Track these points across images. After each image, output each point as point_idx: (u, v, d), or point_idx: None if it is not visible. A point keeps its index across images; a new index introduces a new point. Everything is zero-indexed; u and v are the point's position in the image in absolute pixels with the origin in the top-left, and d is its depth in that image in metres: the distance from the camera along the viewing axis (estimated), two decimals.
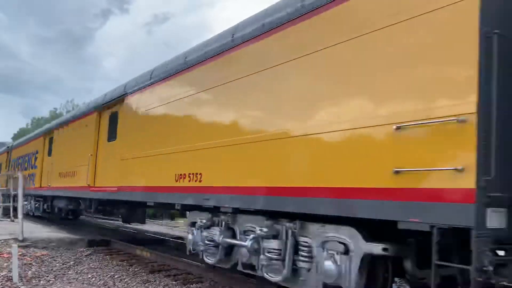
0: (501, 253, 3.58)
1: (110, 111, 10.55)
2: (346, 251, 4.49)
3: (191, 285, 7.19)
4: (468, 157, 3.36)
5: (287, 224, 5.28)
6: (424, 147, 3.69)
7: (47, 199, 15.59)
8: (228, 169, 6.12)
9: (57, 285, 7.28)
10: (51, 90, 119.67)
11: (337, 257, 4.59)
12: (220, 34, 7.06)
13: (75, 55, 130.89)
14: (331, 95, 4.71)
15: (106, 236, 12.08)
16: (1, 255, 8.75)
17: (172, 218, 21.69)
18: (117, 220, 15.25)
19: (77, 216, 16.11)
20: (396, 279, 5.23)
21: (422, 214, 3.63)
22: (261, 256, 5.47)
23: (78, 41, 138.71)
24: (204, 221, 6.76)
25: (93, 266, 8.76)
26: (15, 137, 61.14)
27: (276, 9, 5.77)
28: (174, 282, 7.36)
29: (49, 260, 9.11)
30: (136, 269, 8.47)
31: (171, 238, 13.21)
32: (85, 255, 9.84)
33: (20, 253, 8.50)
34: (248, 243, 5.62)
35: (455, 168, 3.41)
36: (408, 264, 4.26)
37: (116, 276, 7.90)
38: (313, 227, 4.96)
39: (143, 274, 8.05)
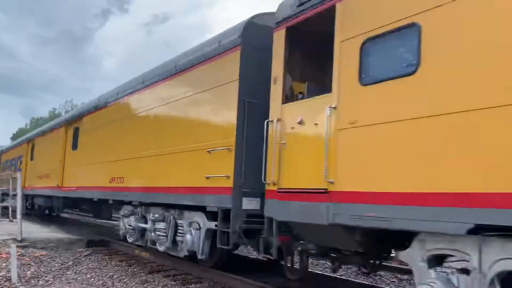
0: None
1: (73, 126, 13.36)
2: (199, 228, 6.98)
3: (190, 286, 7.12)
4: (230, 170, 6.10)
5: (171, 212, 7.86)
6: (216, 164, 6.43)
7: (29, 198, 17.85)
8: (135, 174, 8.96)
9: (56, 285, 7.22)
10: (50, 90, 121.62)
11: (194, 232, 7.14)
12: (132, 79, 10.29)
13: (74, 55, 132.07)
14: (185, 127, 7.52)
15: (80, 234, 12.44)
16: (0, 255, 8.72)
17: None
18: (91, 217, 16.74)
19: (53, 212, 17.71)
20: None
21: (216, 201, 6.39)
22: (153, 234, 8.17)
23: (78, 41, 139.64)
24: (127, 211, 9.46)
25: (92, 266, 8.70)
26: (14, 137, 62.23)
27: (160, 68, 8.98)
28: (173, 283, 7.27)
29: (48, 260, 9.07)
30: (135, 269, 8.38)
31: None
32: (84, 255, 9.79)
33: (19, 253, 8.44)
34: (149, 225, 8.34)
35: (226, 176, 6.18)
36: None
37: (115, 277, 7.82)
38: (186, 213, 7.48)
39: (142, 274, 7.97)
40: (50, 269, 8.29)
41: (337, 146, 4.56)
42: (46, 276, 7.72)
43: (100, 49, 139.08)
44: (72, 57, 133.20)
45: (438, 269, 3.85)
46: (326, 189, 4.61)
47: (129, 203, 9.39)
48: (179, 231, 7.63)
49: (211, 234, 6.90)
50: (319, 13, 5.04)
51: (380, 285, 7.33)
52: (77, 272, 8.22)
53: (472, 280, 3.58)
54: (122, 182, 9.42)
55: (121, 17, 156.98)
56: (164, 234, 7.94)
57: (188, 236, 7.25)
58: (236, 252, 8.92)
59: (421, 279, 3.94)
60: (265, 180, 5.54)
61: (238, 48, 6.29)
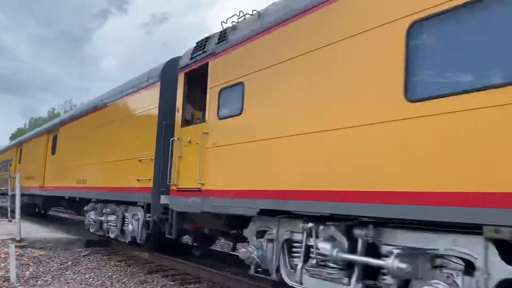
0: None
1: (53, 134, 15.67)
2: (139, 219, 9.07)
3: (189, 286, 7.23)
4: (151, 174, 8.32)
5: (120, 207, 10.04)
6: (143, 170, 8.67)
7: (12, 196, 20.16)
8: (94, 177, 11.28)
9: (55, 285, 7.25)
10: (49, 90, 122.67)
11: (134, 222, 9.29)
12: (91, 101, 13.61)
13: (74, 55, 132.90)
14: (126, 141, 9.79)
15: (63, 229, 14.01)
16: None
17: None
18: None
19: (41, 210, 19.91)
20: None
21: (143, 198, 8.59)
22: (106, 224, 10.49)
23: (77, 41, 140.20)
24: (89, 207, 11.75)
25: (90, 267, 8.80)
26: (13, 137, 62.23)
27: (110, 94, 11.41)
28: (172, 283, 7.37)
29: (47, 260, 9.16)
30: (134, 270, 8.49)
31: None
32: (83, 256, 9.93)
33: (17, 253, 8.49)
34: (103, 218, 10.65)
35: (148, 178, 8.42)
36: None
37: (114, 277, 7.89)
38: (130, 208, 9.56)
39: (141, 274, 8.08)
40: (49, 269, 8.37)
41: (206, 159, 6.75)
42: (45, 276, 7.77)
43: (99, 49, 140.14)
44: (71, 57, 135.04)
45: (260, 239, 6.00)
46: (200, 188, 6.79)
47: (90, 200, 11.61)
48: (125, 222, 9.82)
49: (147, 224, 8.95)
50: (201, 66, 7.23)
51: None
52: (76, 272, 8.30)
53: (273, 244, 5.73)
54: (85, 183, 11.65)
55: (120, 17, 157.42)
56: (114, 224, 10.19)
57: (130, 226, 9.46)
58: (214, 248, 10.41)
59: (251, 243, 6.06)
60: (169, 182, 7.69)
61: (158, 83, 8.49)
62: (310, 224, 4.98)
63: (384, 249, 4.24)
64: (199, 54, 7.33)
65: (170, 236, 7.91)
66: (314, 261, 4.95)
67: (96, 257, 9.83)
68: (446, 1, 3.69)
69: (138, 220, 9.19)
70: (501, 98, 3.27)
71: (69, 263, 9.05)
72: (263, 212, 5.61)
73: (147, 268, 8.57)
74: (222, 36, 6.87)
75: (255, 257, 5.83)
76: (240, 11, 6.62)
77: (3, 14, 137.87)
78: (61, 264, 8.88)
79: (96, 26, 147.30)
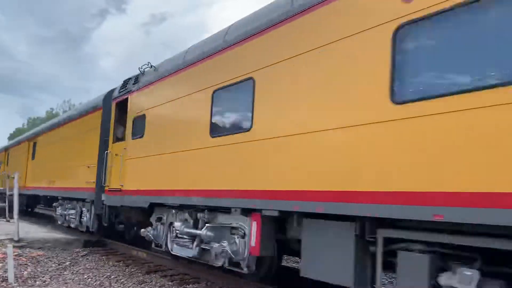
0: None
1: (33, 141, 18.50)
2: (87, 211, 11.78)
3: (188, 286, 7.27)
4: (94, 178, 10.94)
5: (78, 203, 12.60)
6: (90, 174, 11.30)
7: (3, 196, 23.74)
8: (59, 178, 13.97)
9: (53, 285, 7.24)
10: (48, 90, 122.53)
11: (88, 215, 11.86)
12: (58, 118, 17.07)
13: (72, 55, 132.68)
14: (80, 151, 12.36)
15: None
16: None
17: None
18: None
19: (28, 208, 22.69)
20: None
21: (89, 196, 11.42)
22: (68, 217, 13.36)
23: (76, 41, 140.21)
24: (57, 204, 14.53)
25: (89, 267, 8.86)
26: (11, 137, 62.74)
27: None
28: (170, 283, 7.41)
29: (45, 260, 9.21)
30: (132, 270, 8.57)
31: None
32: (81, 256, 10.03)
33: (15, 254, 8.53)
34: (66, 212, 13.50)
35: (93, 181, 10.99)
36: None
37: (112, 277, 7.96)
38: (86, 204, 12.04)
39: (139, 274, 8.15)
40: (47, 269, 8.40)
41: (124, 168, 9.42)
42: (43, 276, 7.79)
43: (98, 49, 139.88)
44: (70, 57, 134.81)
45: (157, 223, 8.67)
46: (120, 188, 9.47)
47: (57, 198, 14.34)
48: (83, 215, 12.48)
49: (98, 216, 11.54)
50: (125, 99, 9.92)
51: None
52: (74, 272, 8.34)
53: (163, 226, 8.43)
54: (54, 184, 14.35)
55: (119, 17, 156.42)
56: (74, 217, 12.90)
57: (85, 218, 12.15)
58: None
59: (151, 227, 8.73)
60: (104, 183, 10.33)
61: (101, 108, 11.18)
62: (173, 211, 7.71)
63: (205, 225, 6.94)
64: (123, 90, 10.06)
65: (105, 224, 10.58)
66: (174, 234, 7.67)
67: (94, 257, 9.96)
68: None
69: (90, 214, 11.90)
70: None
71: (67, 263, 9.13)
72: (153, 205, 8.30)
73: (146, 268, 8.68)
74: (136, 79, 9.60)
75: (150, 235, 8.53)
76: (148, 62, 9.32)
77: (2, 14, 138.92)
78: (59, 264, 8.94)
79: (95, 26, 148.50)
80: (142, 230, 8.75)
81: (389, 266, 4.19)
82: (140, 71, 9.54)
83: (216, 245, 6.49)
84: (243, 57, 6.24)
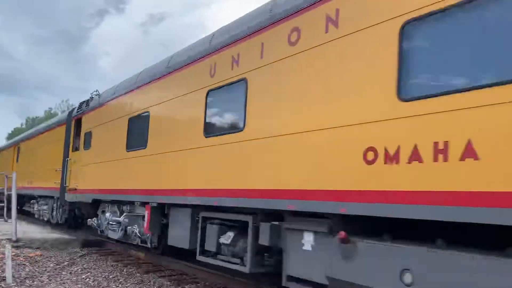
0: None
1: (18, 146, 21.42)
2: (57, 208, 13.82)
3: (186, 286, 7.29)
4: (59, 179, 13.50)
5: (51, 200, 15.11)
6: (57, 176, 13.69)
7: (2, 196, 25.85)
8: (36, 179, 16.43)
9: (51, 285, 7.22)
10: (46, 89, 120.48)
11: (55, 208, 14.31)
12: (36, 127, 18.96)
13: (71, 55, 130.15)
14: (50, 157, 14.44)
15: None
16: None
17: None
18: None
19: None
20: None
21: (56, 194, 13.99)
22: (42, 212, 15.93)
23: (74, 41, 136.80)
24: (34, 201, 17.35)
25: (87, 267, 8.86)
26: (9, 137, 62.82)
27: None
28: (168, 283, 7.43)
29: (43, 260, 9.23)
30: (130, 270, 8.60)
31: None
32: (79, 256, 10.06)
33: (13, 254, 8.50)
34: (41, 207, 15.76)
35: (59, 182, 13.30)
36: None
37: (110, 277, 7.97)
38: (54, 200, 13.84)
39: (137, 274, 8.16)
40: (45, 269, 8.40)
41: (78, 172, 12.05)
42: (41, 276, 7.77)
43: (96, 48, 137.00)
44: (68, 56, 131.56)
45: (101, 215, 11.35)
46: (76, 188, 12.10)
47: (35, 196, 17.05)
48: (53, 210, 15.18)
49: (64, 211, 14.30)
50: (80, 117, 12.57)
51: None
52: (72, 272, 8.33)
53: (104, 216, 11.10)
54: (32, 184, 17.00)
55: (117, 17, 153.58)
56: (47, 212, 15.54)
57: (55, 212, 14.81)
58: None
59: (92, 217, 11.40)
60: (65, 184, 12.91)
61: (64, 123, 13.84)
62: (106, 205, 10.38)
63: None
64: (79, 111, 12.72)
65: (65, 217, 13.22)
66: (106, 222, 10.34)
67: (92, 257, 10.04)
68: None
69: (57, 208, 14.60)
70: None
71: (66, 263, 9.13)
72: (97, 201, 10.96)
73: (144, 268, 8.72)
74: (87, 102, 12.27)
75: (95, 224, 11.19)
76: (96, 89, 11.98)
77: (0, 14, 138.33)
78: (57, 264, 8.96)
79: (93, 26, 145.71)
80: (89, 220, 11.43)
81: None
82: (90, 96, 12.21)
83: (129, 228, 9.17)
84: (142, 95, 8.93)
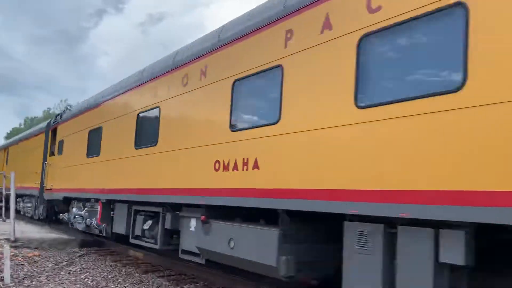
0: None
1: (8, 149, 23.36)
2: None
3: (184, 286, 7.30)
4: (39, 180, 14.60)
5: (33, 198, 16.36)
6: (37, 177, 15.11)
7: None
8: (23, 179, 16.86)
9: (50, 285, 7.19)
10: (45, 89, 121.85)
11: (37, 205, 15.58)
12: (19, 135, 20.97)
13: (69, 55, 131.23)
14: (32, 161, 15.78)
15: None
16: None
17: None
18: None
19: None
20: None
21: (36, 193, 15.63)
22: (26, 208, 17.63)
23: (73, 40, 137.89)
24: (20, 199, 18.24)
25: (85, 267, 8.84)
26: (8, 136, 62.95)
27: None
28: (167, 283, 7.43)
29: (42, 260, 9.21)
30: (129, 270, 8.59)
31: None
32: (78, 256, 10.01)
33: (12, 254, 8.46)
34: (26, 205, 16.97)
35: (39, 182, 14.90)
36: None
37: (109, 277, 7.95)
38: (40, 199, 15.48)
39: (136, 274, 8.15)
40: (44, 270, 8.37)
41: (53, 174, 14.14)
42: (39, 277, 7.75)
43: (95, 48, 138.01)
44: (67, 56, 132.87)
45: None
46: (51, 188, 14.21)
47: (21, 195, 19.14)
48: (36, 207, 17.27)
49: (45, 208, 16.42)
50: (56, 127, 14.69)
51: None
52: (71, 272, 8.30)
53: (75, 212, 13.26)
54: (20, 184, 18.91)
55: (116, 17, 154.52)
56: (31, 209, 17.60)
57: (37, 209, 16.91)
58: None
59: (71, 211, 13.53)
60: (43, 184, 14.99)
61: (44, 132, 15.96)
62: (74, 202, 12.52)
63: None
64: (55, 121, 14.86)
65: (45, 213, 15.37)
66: (73, 216, 12.47)
67: (91, 257, 10.01)
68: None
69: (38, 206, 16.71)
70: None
71: (64, 263, 9.11)
72: (66, 198, 13.07)
73: (143, 268, 8.71)
74: (61, 115, 14.42)
75: (66, 218, 13.30)
76: (70, 104, 14.12)
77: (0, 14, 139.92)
78: (55, 264, 8.94)
79: (92, 25, 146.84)
80: (61, 214, 13.55)
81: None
82: (66, 108, 14.33)
83: (89, 220, 11.32)
84: (98, 112, 11.11)
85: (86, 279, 7.78)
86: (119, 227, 9.56)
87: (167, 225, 7.66)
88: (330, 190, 4.48)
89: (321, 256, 5.13)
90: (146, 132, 8.48)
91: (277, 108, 5.33)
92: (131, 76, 9.97)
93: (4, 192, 15.33)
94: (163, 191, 7.63)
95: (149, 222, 8.30)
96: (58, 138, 14.25)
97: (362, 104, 4.32)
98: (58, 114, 15.00)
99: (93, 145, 11.13)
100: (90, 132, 11.44)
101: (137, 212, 8.88)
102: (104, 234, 10.99)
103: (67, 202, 13.40)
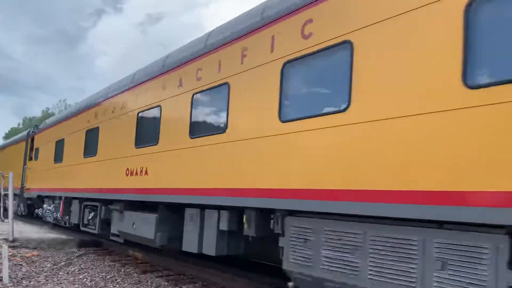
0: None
1: (3, 150, 24.20)
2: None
3: (183, 286, 7.31)
4: (20, 181, 15.79)
5: (16, 197, 18.31)
6: (19, 178, 17.12)
7: None
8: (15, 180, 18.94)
9: (48, 286, 7.19)
10: (44, 89, 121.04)
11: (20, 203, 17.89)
12: (4, 142, 23.54)
13: (68, 55, 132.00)
14: (17, 164, 18.45)
15: None
16: None
17: None
18: None
19: None
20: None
21: (18, 192, 15.91)
22: (19, 208, 18.67)
23: (72, 40, 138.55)
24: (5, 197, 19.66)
25: (84, 267, 8.82)
26: (7, 136, 63.01)
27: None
28: (166, 283, 7.43)
29: (40, 260, 9.19)
30: (128, 270, 8.59)
31: None
32: (76, 256, 9.97)
33: (10, 254, 8.46)
34: (15, 203, 18.66)
35: (22, 183, 17.20)
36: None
37: (108, 277, 7.94)
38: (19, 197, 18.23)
39: (135, 275, 8.15)
40: (42, 270, 8.34)
41: (31, 176, 16.69)
42: (38, 277, 7.74)
43: (93, 48, 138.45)
44: (66, 56, 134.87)
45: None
46: (29, 188, 16.76)
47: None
48: (19, 205, 19.75)
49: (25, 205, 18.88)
50: (34, 136, 17.23)
51: None
52: (70, 272, 8.27)
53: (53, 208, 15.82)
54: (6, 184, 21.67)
55: (115, 17, 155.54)
56: (14, 206, 20.14)
57: (19, 207, 19.41)
58: None
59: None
60: (23, 185, 17.50)
61: (24, 140, 18.51)
62: (45, 199, 15.09)
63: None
64: (34, 130, 17.44)
65: (26, 210, 17.89)
66: (44, 211, 15.02)
67: (90, 257, 9.99)
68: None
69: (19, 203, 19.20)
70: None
71: (63, 263, 9.09)
72: (40, 196, 15.60)
73: (142, 268, 8.71)
74: (37, 126, 17.04)
75: (40, 213, 15.82)
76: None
77: None
78: (54, 265, 8.92)
79: (91, 25, 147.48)
80: (36, 210, 16.10)
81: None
82: (44, 121, 16.94)
83: (55, 214, 13.90)
84: (61, 128, 13.70)
85: (85, 279, 7.82)
86: (74, 218, 12.14)
87: (102, 216, 10.24)
88: (187, 189, 6.93)
89: (180, 232, 7.65)
90: (92, 145, 11.01)
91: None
92: (84, 100, 12.60)
93: (2, 192, 15.65)
94: (100, 190, 10.23)
95: (92, 214, 10.88)
96: (35, 146, 16.84)
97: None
98: (36, 125, 17.59)
99: (58, 153, 13.71)
100: (57, 142, 14.02)
101: (85, 206, 11.44)
102: (67, 225, 13.51)
103: (42, 200, 15.92)
